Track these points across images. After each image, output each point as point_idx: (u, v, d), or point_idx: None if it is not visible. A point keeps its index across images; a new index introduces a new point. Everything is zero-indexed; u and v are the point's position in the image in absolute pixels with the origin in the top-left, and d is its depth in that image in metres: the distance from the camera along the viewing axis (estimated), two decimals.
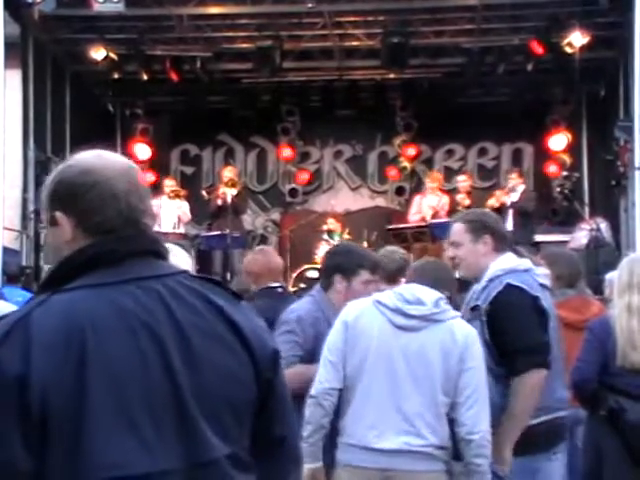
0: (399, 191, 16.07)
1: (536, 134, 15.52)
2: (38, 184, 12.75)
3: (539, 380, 4.02)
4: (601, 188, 14.83)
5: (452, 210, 13.18)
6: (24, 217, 12.82)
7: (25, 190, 12.89)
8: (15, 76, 12.48)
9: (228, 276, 12.70)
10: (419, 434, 3.78)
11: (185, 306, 1.86)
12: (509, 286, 4.12)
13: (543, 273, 4.38)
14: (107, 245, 1.88)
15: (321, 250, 12.60)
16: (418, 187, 15.43)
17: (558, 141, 15.09)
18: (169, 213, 13.71)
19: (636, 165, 10.76)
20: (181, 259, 3.14)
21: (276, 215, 16.74)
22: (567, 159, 15.15)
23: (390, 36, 13.35)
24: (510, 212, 13.05)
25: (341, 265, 4.68)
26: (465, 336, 3.85)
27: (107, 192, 1.89)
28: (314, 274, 11.66)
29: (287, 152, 16.35)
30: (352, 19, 13.61)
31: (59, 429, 1.70)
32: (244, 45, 14.13)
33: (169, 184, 14.24)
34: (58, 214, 1.91)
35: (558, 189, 14.68)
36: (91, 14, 12.50)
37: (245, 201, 14.78)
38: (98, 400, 1.71)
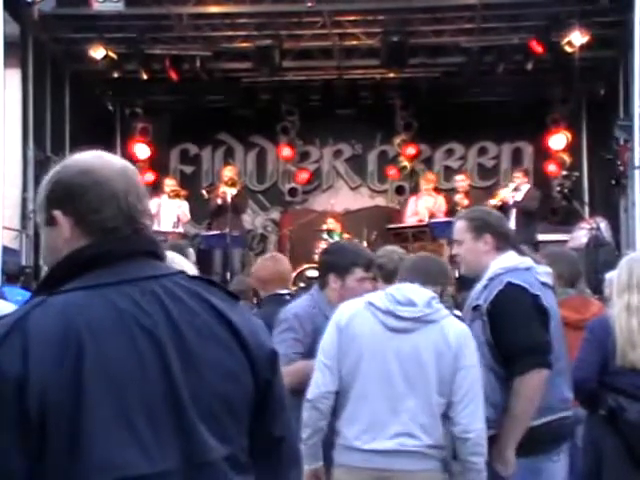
0: (399, 190, 16.07)
1: (536, 133, 15.53)
2: (37, 183, 12.60)
3: (540, 380, 4.01)
4: (601, 187, 14.82)
5: (451, 210, 13.20)
6: (23, 216, 12.83)
7: (24, 189, 12.90)
8: (14, 75, 12.48)
9: (228, 275, 12.71)
10: (413, 435, 3.79)
11: (182, 306, 1.86)
12: (509, 285, 4.11)
13: (545, 271, 4.36)
14: (105, 246, 1.88)
15: (321, 249, 12.60)
16: (418, 186, 15.42)
17: (558, 140, 15.10)
18: (169, 212, 13.72)
19: (636, 164, 10.76)
20: (185, 266, 3.14)
21: (276, 214, 16.75)
22: (567, 158, 15.16)
23: (390, 35, 13.35)
24: (513, 211, 13.05)
25: (335, 264, 4.70)
26: (458, 336, 3.85)
27: (106, 192, 1.89)
28: (314, 273, 11.65)
29: (287, 151, 16.35)
30: (352, 18, 13.59)
31: (57, 430, 1.69)
32: (244, 44, 14.11)
33: (169, 184, 14.26)
34: (57, 213, 1.91)
35: (558, 188, 14.69)
36: (91, 13, 12.54)
37: (245, 200, 14.78)
38: (96, 401, 1.71)
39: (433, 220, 13.28)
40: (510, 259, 4.28)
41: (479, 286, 4.25)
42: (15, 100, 12.57)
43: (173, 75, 14.45)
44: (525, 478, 4.16)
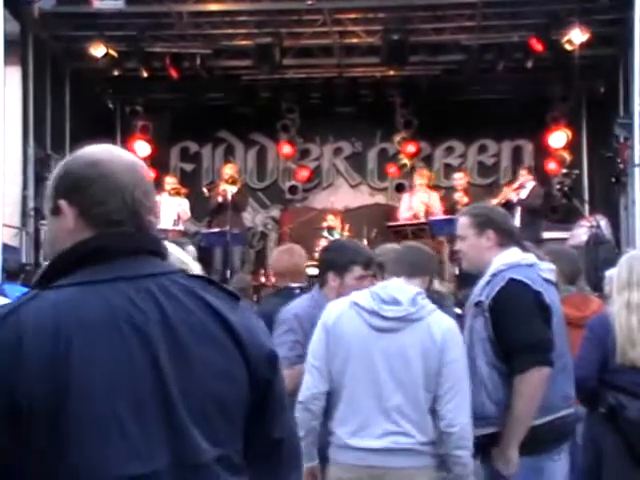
0: (399, 188, 16.04)
1: (536, 131, 15.52)
2: (38, 181, 12.79)
3: (541, 379, 4.00)
4: (601, 185, 14.83)
5: (451, 208, 13.20)
6: (24, 214, 12.84)
7: (25, 187, 12.91)
8: (15, 73, 12.48)
9: (228, 273, 12.71)
10: (405, 433, 3.82)
11: (178, 305, 1.85)
12: (512, 281, 4.10)
13: (548, 268, 4.35)
14: (106, 241, 1.88)
15: (321, 247, 12.60)
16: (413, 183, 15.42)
17: (558, 138, 15.08)
18: (169, 210, 13.72)
19: (636, 162, 10.77)
20: (191, 265, 3.14)
21: (276, 212, 16.75)
22: (567, 156, 15.16)
23: (390, 33, 13.34)
24: (518, 209, 13.06)
25: (334, 262, 4.69)
26: (443, 332, 3.86)
27: (112, 185, 1.90)
28: (314, 271, 11.65)
29: (287, 149, 16.34)
30: (352, 16, 13.59)
31: (43, 427, 1.69)
32: (244, 42, 14.10)
33: (170, 181, 14.28)
34: (62, 202, 1.92)
35: (558, 186, 14.70)
36: (91, 11, 12.53)
37: (245, 198, 14.78)
38: (83, 398, 1.70)
39: (433, 218, 13.29)
40: (513, 255, 4.27)
41: (481, 282, 4.24)
42: (15, 98, 12.56)
43: (173, 73, 14.44)
44: (526, 477, 4.15)
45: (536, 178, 13.81)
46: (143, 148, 15.36)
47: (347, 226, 13.93)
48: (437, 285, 8.32)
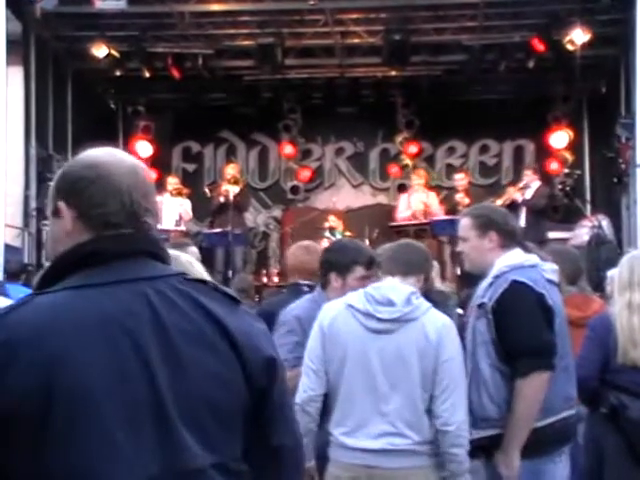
0: (401, 188, 16.03)
1: (537, 131, 15.51)
2: (40, 181, 12.79)
3: (542, 383, 4.00)
4: (602, 185, 14.83)
5: (452, 209, 13.21)
6: (26, 214, 12.84)
7: (27, 187, 12.91)
8: (17, 73, 12.49)
9: (230, 273, 12.72)
10: (401, 433, 3.83)
11: (172, 308, 1.84)
12: (515, 283, 4.09)
13: (551, 268, 4.35)
14: (102, 244, 1.87)
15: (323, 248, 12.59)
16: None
17: (559, 138, 15.09)
18: (171, 210, 13.72)
19: (637, 162, 10.78)
20: (197, 268, 3.13)
21: (278, 212, 16.75)
22: (568, 156, 15.16)
23: (391, 33, 13.34)
24: (523, 209, 13.06)
25: (336, 262, 4.67)
26: (438, 331, 3.86)
27: (109, 187, 1.89)
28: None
29: (289, 149, 16.35)
30: (353, 16, 13.60)
31: (33, 432, 1.68)
32: (246, 42, 14.11)
33: (172, 182, 14.28)
34: (60, 204, 1.92)
35: (559, 186, 14.70)
36: (93, 11, 12.53)
37: (247, 198, 14.79)
38: (72, 403, 1.69)
39: (435, 218, 13.29)
40: (515, 256, 4.26)
41: (484, 284, 4.23)
42: (17, 98, 12.57)
43: (175, 73, 14.45)
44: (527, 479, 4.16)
45: (539, 178, 13.81)
46: (145, 148, 15.37)
47: (349, 226, 13.94)
48: (439, 285, 8.35)
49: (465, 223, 4.44)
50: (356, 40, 14.25)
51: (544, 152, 15.50)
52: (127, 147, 15.23)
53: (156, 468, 1.72)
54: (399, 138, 16.17)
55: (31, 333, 1.72)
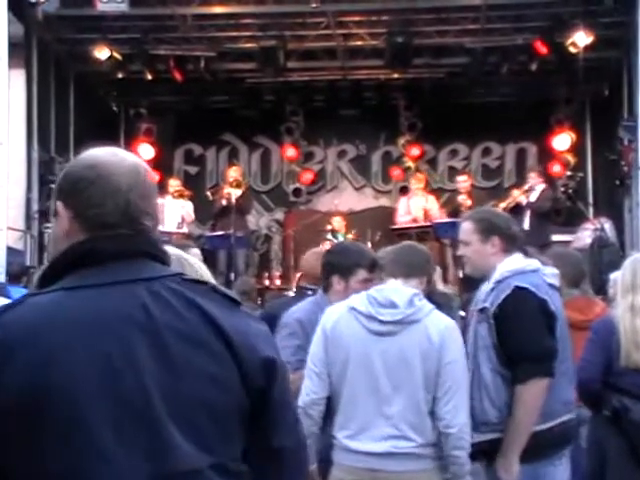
0: (403, 191, 16.03)
1: (540, 134, 15.51)
2: (42, 184, 12.80)
3: (542, 389, 4.01)
4: (605, 188, 14.82)
5: (454, 211, 13.20)
6: (28, 217, 12.85)
7: (29, 190, 12.92)
8: (19, 76, 12.48)
9: (232, 276, 12.71)
10: (405, 436, 3.83)
11: (167, 310, 1.82)
12: (517, 289, 4.08)
13: (552, 273, 4.34)
14: (99, 244, 1.86)
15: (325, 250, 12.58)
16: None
17: (562, 141, 15.09)
18: (173, 213, 13.73)
19: None
20: (201, 269, 3.13)
21: (280, 215, 16.75)
22: (571, 159, 15.16)
23: (394, 36, 13.35)
24: (528, 213, 13.05)
25: (338, 265, 4.65)
26: (441, 333, 3.85)
27: (107, 187, 1.88)
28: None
29: (291, 152, 16.35)
30: (356, 19, 13.61)
31: (26, 434, 1.68)
32: (248, 45, 14.12)
33: (173, 184, 14.30)
34: (58, 204, 1.92)
35: (562, 189, 14.69)
36: (95, 14, 12.52)
37: (250, 201, 14.80)
38: (61, 403, 1.69)
39: (437, 220, 13.29)
40: (517, 261, 4.25)
41: (486, 288, 4.22)
42: (19, 101, 12.57)
43: (177, 76, 14.46)
44: None
45: (544, 181, 13.81)
46: (147, 151, 15.37)
47: (351, 229, 13.93)
48: (442, 287, 8.35)
49: (467, 227, 4.43)
50: (358, 43, 14.26)
51: (546, 155, 15.49)
52: (129, 150, 14.99)
53: (146, 468, 1.71)
54: (401, 141, 16.17)
55: (27, 332, 1.73)
